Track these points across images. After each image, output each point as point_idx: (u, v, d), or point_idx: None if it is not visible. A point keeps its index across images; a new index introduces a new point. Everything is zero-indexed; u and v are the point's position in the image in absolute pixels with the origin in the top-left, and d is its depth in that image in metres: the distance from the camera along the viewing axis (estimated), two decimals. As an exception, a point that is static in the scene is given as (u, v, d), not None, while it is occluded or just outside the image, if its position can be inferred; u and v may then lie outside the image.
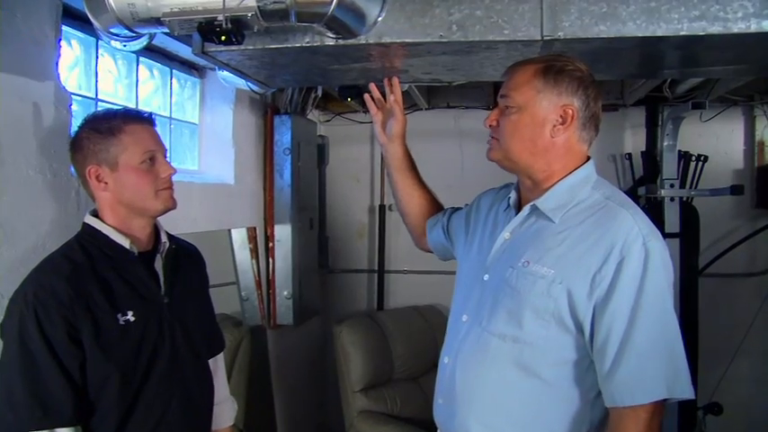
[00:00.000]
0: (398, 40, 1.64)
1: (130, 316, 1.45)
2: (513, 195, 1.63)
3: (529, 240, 1.50)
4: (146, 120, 1.57)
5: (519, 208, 1.60)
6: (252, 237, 3.30)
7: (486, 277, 1.56)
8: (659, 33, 1.55)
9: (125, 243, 1.51)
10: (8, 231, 1.61)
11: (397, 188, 2.02)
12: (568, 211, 1.46)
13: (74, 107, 1.90)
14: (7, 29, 1.65)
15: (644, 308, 1.32)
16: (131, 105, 2.54)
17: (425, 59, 1.81)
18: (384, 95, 1.96)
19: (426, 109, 4.19)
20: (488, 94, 4.04)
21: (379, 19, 1.63)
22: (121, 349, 1.43)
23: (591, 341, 1.39)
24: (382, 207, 4.29)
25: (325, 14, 1.50)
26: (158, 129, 2.76)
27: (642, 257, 1.33)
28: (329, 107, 4.27)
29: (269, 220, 3.36)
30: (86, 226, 1.52)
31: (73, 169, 1.63)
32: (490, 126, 1.54)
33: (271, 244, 3.38)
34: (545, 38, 1.59)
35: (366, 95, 1.97)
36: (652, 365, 1.33)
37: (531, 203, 1.52)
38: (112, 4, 1.54)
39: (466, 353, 1.54)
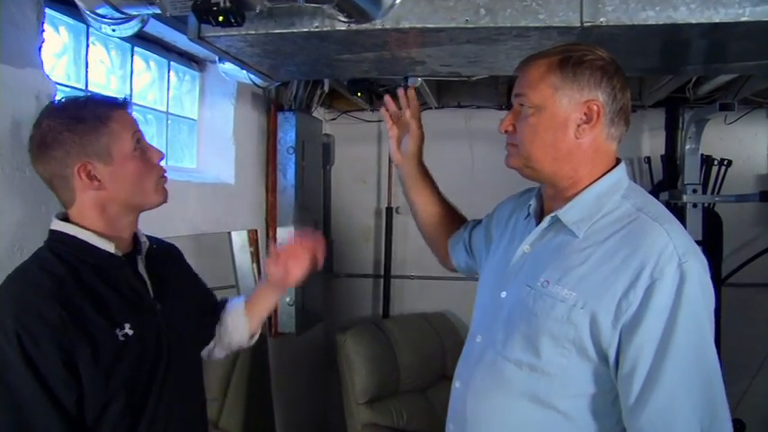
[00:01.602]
0: (418, 25, 1.47)
1: (128, 329, 1.28)
2: (533, 203, 1.46)
3: (549, 256, 1.32)
4: (125, 104, 1.39)
5: (541, 217, 1.42)
6: (253, 240, 3.14)
7: (503, 294, 1.39)
8: (716, 20, 1.37)
9: (109, 247, 1.32)
10: None
11: (416, 208, 1.86)
12: (594, 224, 1.29)
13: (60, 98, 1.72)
14: None
15: (676, 339, 1.15)
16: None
17: (446, 49, 1.64)
18: (397, 103, 1.78)
19: (436, 108, 4.04)
20: (501, 94, 3.88)
21: (397, 1, 1.46)
22: (123, 369, 1.26)
23: (616, 373, 1.22)
24: (389, 209, 4.14)
25: (337, -7, 1.33)
26: (154, 124, 2.66)
27: (676, 281, 1.16)
28: (335, 105, 4.13)
29: (271, 223, 3.20)
30: (57, 234, 1.31)
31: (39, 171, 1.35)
32: (505, 132, 1.36)
33: (272, 247, 3.20)
34: (585, 24, 1.42)
35: (382, 110, 1.80)
36: (684, 405, 1.17)
37: (552, 214, 1.34)
38: (97, -20, 1.37)
39: (478, 379, 1.38)
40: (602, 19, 1.42)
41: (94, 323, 1.22)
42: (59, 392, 1.14)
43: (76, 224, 1.31)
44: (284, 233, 3.20)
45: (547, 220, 1.35)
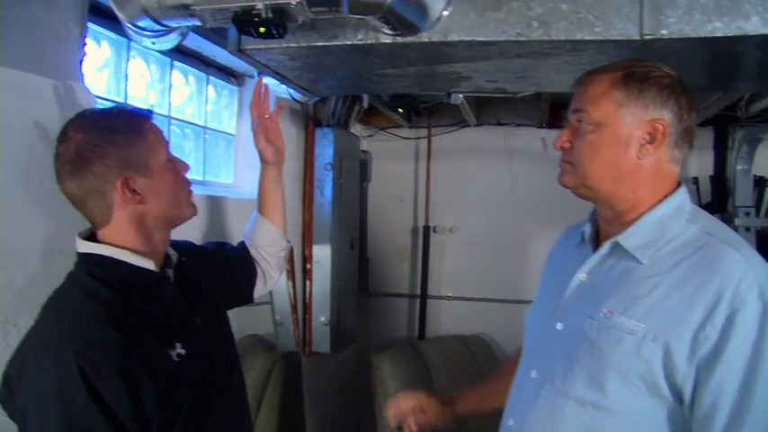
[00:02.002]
0: (467, 38, 1.40)
1: (179, 348, 1.22)
2: (587, 228, 1.36)
3: (611, 285, 1.22)
4: (152, 115, 1.33)
5: (597, 243, 1.32)
6: (289, 257, 3.08)
7: (559, 326, 1.29)
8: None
9: (148, 265, 1.25)
10: (17, 249, 1.43)
11: None
12: (660, 250, 1.19)
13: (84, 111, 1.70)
14: (27, 22, 1.48)
15: (763, 374, 1.05)
16: (163, 113, 2.36)
17: (495, 63, 1.57)
18: None
19: (475, 125, 3.98)
20: (543, 111, 3.77)
21: (445, 13, 1.40)
22: (181, 391, 1.21)
23: (691, 412, 1.11)
24: (426, 228, 4.07)
25: (383, 5, 1.28)
26: (192, 139, 2.64)
27: (759, 310, 1.06)
28: (372, 121, 4.08)
29: (307, 240, 3.15)
30: (91, 256, 1.23)
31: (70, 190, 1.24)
32: (561, 148, 1.27)
33: (308, 265, 3.16)
34: (645, 37, 1.33)
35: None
36: None
37: (613, 240, 1.24)
38: (138, -8, 1.34)
39: (535, 417, 1.27)
40: (663, 31, 1.33)
41: (150, 346, 1.16)
42: (128, 425, 1.08)
43: (107, 243, 1.23)
44: (320, 251, 3.15)
45: (606, 246, 1.25)
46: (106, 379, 1.05)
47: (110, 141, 1.19)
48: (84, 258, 1.23)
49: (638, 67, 1.20)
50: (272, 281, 1.78)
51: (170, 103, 2.38)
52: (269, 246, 1.75)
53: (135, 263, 1.23)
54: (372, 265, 4.16)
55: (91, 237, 1.25)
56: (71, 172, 1.19)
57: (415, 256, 4.19)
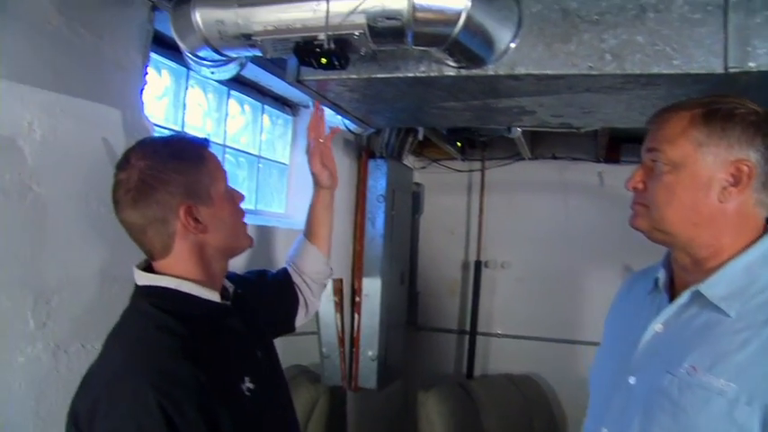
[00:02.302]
0: (535, 72, 1.34)
1: (248, 383, 1.18)
2: (662, 274, 1.25)
3: (692, 338, 1.11)
4: (209, 143, 1.29)
5: (672, 291, 1.22)
6: (338, 289, 3.04)
7: (631, 380, 1.18)
8: None
9: (213, 297, 1.21)
10: (71, 275, 1.43)
11: None
12: (748, 302, 1.07)
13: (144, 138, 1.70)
14: (91, 51, 1.51)
15: None
16: (219, 141, 2.37)
17: (562, 98, 1.50)
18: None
19: (529, 159, 3.91)
20: (601, 145, 3.66)
21: (512, 45, 1.34)
22: (254, 426, 1.16)
23: None
24: (478, 263, 3.97)
25: (449, 37, 1.23)
26: (246, 168, 2.64)
27: None
28: (425, 153, 4.04)
29: (357, 273, 3.10)
30: (154, 288, 1.17)
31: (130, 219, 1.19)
32: (634, 189, 1.18)
33: (358, 298, 3.11)
34: (729, 70, 1.24)
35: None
36: None
37: (693, 288, 1.13)
38: (199, 23, 1.33)
39: None
40: (751, 64, 1.24)
41: (224, 380, 1.13)
42: None
43: (167, 275, 1.18)
44: (370, 284, 3.10)
45: (685, 296, 1.15)
46: (186, 415, 1.00)
47: (173, 168, 1.15)
48: (146, 291, 1.18)
49: (721, 103, 1.11)
50: (314, 308, 1.72)
51: (225, 132, 2.39)
52: (314, 272, 1.70)
53: (200, 295, 1.18)
54: (422, 299, 4.10)
55: (147, 268, 1.21)
56: (134, 199, 1.14)
57: (466, 291, 4.10)
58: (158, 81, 2.03)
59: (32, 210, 1.36)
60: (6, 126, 1.31)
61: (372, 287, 3.11)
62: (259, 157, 2.65)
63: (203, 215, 1.17)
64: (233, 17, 1.28)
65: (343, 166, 3.03)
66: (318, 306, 1.73)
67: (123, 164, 1.15)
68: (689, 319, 1.14)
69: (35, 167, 1.37)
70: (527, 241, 3.94)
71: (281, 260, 2.39)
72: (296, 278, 1.67)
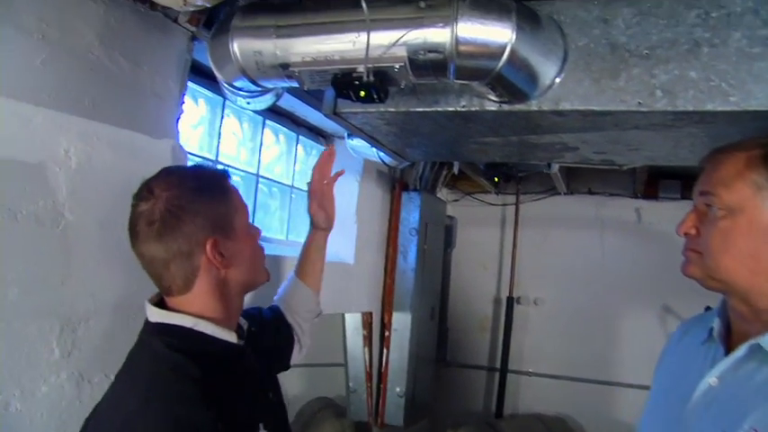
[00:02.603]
0: (580, 108, 1.29)
1: (262, 429, 1.14)
2: (717, 324, 1.17)
3: (752, 396, 1.03)
4: (230, 175, 1.24)
5: (728, 342, 1.13)
6: (367, 323, 2.99)
7: None
8: None
9: (231, 338, 1.15)
10: (95, 304, 1.41)
11: None
12: None
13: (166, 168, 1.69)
14: (129, 80, 1.51)
15: None
16: (252, 171, 2.35)
17: (607, 134, 1.44)
18: None
19: (565, 193, 3.84)
20: (640, 181, 3.57)
21: (557, 80, 1.30)
22: None
23: None
24: (510, 299, 3.88)
25: (492, 71, 1.19)
26: (278, 198, 2.62)
27: None
28: (458, 185, 4.00)
29: (387, 307, 3.05)
30: (167, 326, 1.11)
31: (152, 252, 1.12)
32: (686, 235, 1.11)
33: (387, 333, 3.05)
34: (791, 108, 1.17)
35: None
36: None
37: (753, 341, 1.05)
38: (237, 53, 1.32)
39: None
40: (814, 102, 1.17)
41: (241, 426, 1.09)
42: None
43: (184, 312, 1.12)
44: (400, 319, 3.04)
45: (743, 348, 1.07)
46: None
47: (201, 200, 1.10)
48: (160, 328, 1.11)
49: None
50: (306, 346, 1.66)
51: (259, 161, 2.37)
52: (305, 310, 1.64)
53: (217, 335, 1.12)
54: (451, 335, 4.02)
55: (159, 303, 1.14)
56: (159, 232, 1.07)
57: (497, 328, 4.01)
58: (194, 110, 2.03)
59: (63, 237, 1.35)
60: (43, 153, 1.31)
61: (402, 322, 3.06)
62: (292, 187, 2.63)
63: (227, 249, 1.12)
64: (271, 48, 1.26)
65: (376, 198, 3.00)
66: (310, 344, 1.67)
67: (145, 194, 1.09)
68: (748, 374, 1.06)
69: (69, 195, 1.37)
70: (561, 278, 3.86)
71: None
72: (288, 318, 1.60)
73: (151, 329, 1.12)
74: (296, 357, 1.63)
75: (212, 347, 1.12)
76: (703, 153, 1.16)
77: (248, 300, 1.29)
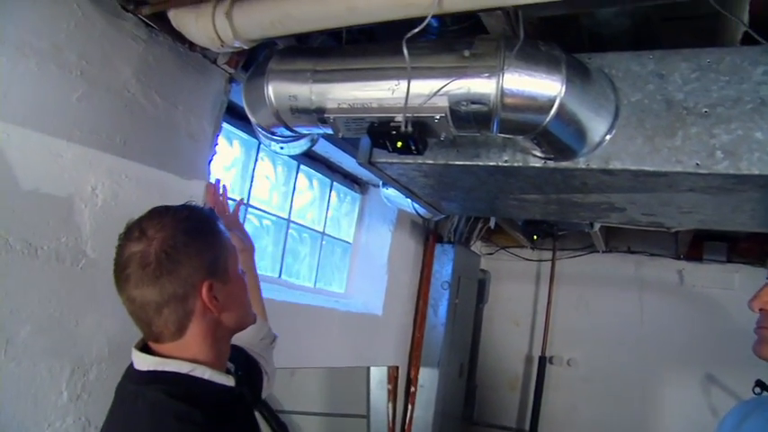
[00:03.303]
0: (632, 168, 1.20)
1: None
2: None
3: None
4: (216, 216, 1.17)
5: None
6: (392, 377, 2.89)
7: None
8: None
9: (228, 381, 1.09)
10: (107, 350, 1.38)
11: None
12: None
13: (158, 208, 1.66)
14: (163, 119, 1.50)
15: None
16: (283, 215, 2.31)
17: (659, 196, 1.35)
18: None
19: (603, 251, 3.72)
20: (684, 242, 3.42)
21: (607, 137, 1.22)
22: None
23: None
24: (542, 358, 3.73)
25: (538, 126, 1.12)
26: (309, 244, 2.56)
27: None
28: (493, 239, 3.91)
29: (414, 362, 2.95)
30: (163, 374, 1.05)
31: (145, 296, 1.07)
32: (761, 311, 1.00)
33: (413, 388, 2.94)
34: None
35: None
36: None
37: None
38: (271, 96, 1.28)
39: None
40: None
41: None
42: None
43: (174, 358, 1.05)
44: (427, 375, 2.92)
45: None
46: None
47: (197, 242, 1.04)
48: (154, 377, 1.04)
49: None
50: (273, 373, 1.53)
51: (291, 207, 2.33)
52: (258, 339, 1.50)
53: (215, 380, 1.06)
54: (480, 393, 3.88)
55: (145, 350, 1.07)
56: (154, 275, 1.01)
57: (527, 388, 3.86)
58: (228, 151, 2.00)
59: (83, 275, 1.33)
60: (70, 188, 1.30)
61: (429, 378, 2.95)
62: (323, 234, 2.57)
63: (221, 293, 1.06)
64: (306, 92, 1.22)
65: (409, 249, 2.93)
66: (275, 369, 1.56)
67: (137, 235, 1.02)
68: None
69: (92, 232, 1.35)
70: (597, 339, 3.72)
71: (335, 346, 2.28)
72: (250, 352, 1.51)
73: (144, 379, 1.05)
74: (267, 390, 1.53)
75: (212, 393, 1.05)
76: (765, 219, 1.06)
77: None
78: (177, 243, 1.01)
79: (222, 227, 1.11)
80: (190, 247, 1.02)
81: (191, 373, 1.04)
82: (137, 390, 1.04)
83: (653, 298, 3.63)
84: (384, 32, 1.35)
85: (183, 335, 1.04)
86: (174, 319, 1.03)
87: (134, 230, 1.02)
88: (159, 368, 1.04)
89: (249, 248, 1.57)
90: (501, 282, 3.92)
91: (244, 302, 1.13)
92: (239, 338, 1.50)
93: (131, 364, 1.07)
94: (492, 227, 3.12)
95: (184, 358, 1.05)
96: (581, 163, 1.24)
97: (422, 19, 1.04)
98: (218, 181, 1.66)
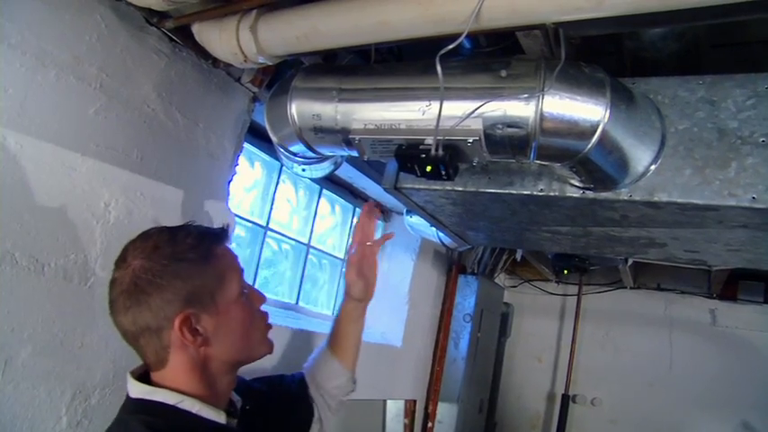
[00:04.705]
0: (679, 200, 1.11)
1: None
2: None
3: None
4: (226, 236, 1.10)
5: None
6: (410, 411, 2.80)
7: None
8: None
9: (218, 417, 1.02)
10: (122, 371, 1.26)
11: None
12: None
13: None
14: (183, 137, 1.46)
15: None
16: (304, 240, 2.24)
17: (706, 232, 1.25)
18: None
19: (632, 288, 3.58)
20: (717, 280, 3.28)
21: (652, 167, 1.13)
22: None
23: None
24: (566, 397, 3.59)
25: (578, 153, 1.03)
26: (328, 270, 2.49)
27: None
28: (517, 271, 3.80)
29: (432, 396, 2.85)
30: (146, 403, 0.99)
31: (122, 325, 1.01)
32: None
33: (430, 424, 2.85)
34: None
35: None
36: None
37: None
38: (294, 114, 1.22)
39: None
40: None
41: None
42: None
43: (165, 387, 0.99)
44: (446, 410, 2.81)
45: None
46: None
47: (173, 272, 0.97)
48: (140, 406, 0.98)
49: None
50: (329, 425, 1.44)
51: (312, 232, 2.26)
52: (333, 387, 1.43)
53: (204, 414, 0.99)
54: (499, 430, 3.75)
55: (143, 375, 1.02)
56: (125, 305, 0.97)
57: (549, 427, 3.73)
58: (249, 172, 1.95)
59: (90, 295, 1.27)
60: (83, 204, 1.25)
61: (448, 413, 2.84)
62: (344, 260, 2.50)
63: (206, 325, 0.99)
64: (331, 111, 1.15)
65: (431, 279, 2.85)
66: (333, 420, 1.46)
67: (120, 260, 0.99)
68: None
69: (102, 250, 1.30)
70: (623, 378, 3.58)
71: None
72: (312, 391, 1.41)
73: (130, 407, 0.99)
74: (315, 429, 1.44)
75: (198, 428, 0.98)
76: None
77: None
78: (149, 274, 0.95)
79: (222, 251, 1.04)
80: (163, 278, 0.95)
81: (178, 405, 0.97)
82: (122, 419, 0.99)
83: (683, 338, 3.49)
84: (413, 53, 1.29)
85: (165, 366, 0.99)
86: (152, 351, 0.98)
87: (121, 254, 0.99)
88: (147, 397, 0.98)
89: (367, 299, 1.48)
90: (524, 316, 3.81)
91: (242, 335, 1.05)
92: (314, 375, 1.43)
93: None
94: (518, 259, 3.02)
95: (174, 388, 0.98)
96: (623, 194, 1.14)
97: (454, 38, 0.97)
98: (376, 210, 1.51)
